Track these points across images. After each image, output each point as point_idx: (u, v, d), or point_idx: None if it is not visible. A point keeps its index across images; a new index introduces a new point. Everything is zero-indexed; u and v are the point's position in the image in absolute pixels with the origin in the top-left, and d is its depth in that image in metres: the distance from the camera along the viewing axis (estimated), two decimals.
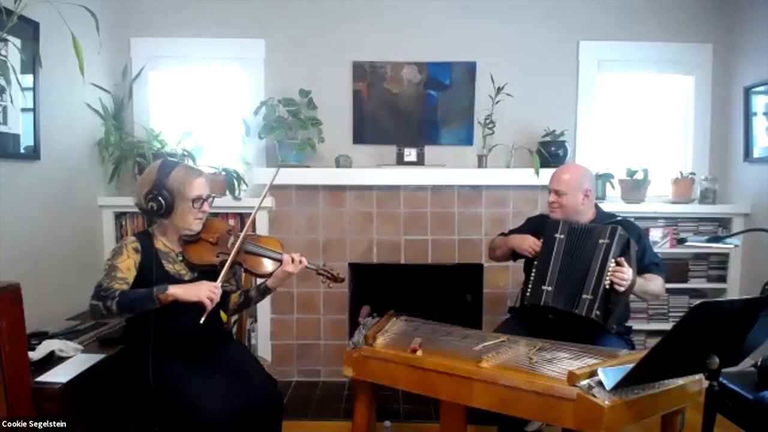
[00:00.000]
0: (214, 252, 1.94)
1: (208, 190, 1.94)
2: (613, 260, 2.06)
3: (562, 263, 2.17)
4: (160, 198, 1.84)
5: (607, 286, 2.05)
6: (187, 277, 1.92)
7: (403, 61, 3.35)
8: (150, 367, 1.76)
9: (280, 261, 1.99)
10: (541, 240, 2.26)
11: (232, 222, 3.16)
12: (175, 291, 1.72)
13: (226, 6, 3.34)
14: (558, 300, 2.14)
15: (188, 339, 1.85)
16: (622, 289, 2.04)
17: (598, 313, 2.05)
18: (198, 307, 1.76)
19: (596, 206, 2.40)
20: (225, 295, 2.08)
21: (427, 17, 3.34)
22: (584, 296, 2.07)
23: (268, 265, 2.00)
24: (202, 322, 1.72)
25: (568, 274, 2.15)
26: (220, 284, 1.80)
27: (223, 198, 3.14)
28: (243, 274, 2.25)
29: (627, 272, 2.04)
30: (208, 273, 1.92)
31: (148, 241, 1.91)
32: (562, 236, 2.20)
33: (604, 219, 2.33)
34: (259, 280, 2.08)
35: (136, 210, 3.09)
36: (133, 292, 1.74)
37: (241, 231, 1.99)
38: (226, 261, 1.90)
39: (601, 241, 2.11)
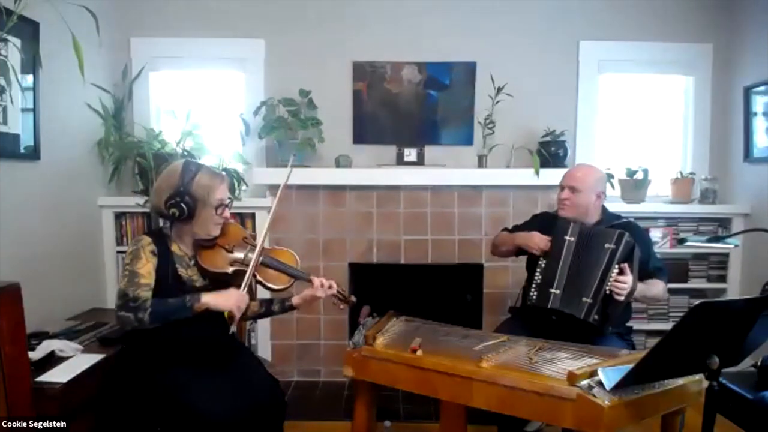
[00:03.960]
0: (228, 260, 1.90)
1: (228, 193, 1.92)
2: (617, 266, 2.05)
3: (570, 266, 2.15)
4: (182, 204, 1.79)
5: (607, 292, 2.05)
6: (198, 283, 1.90)
7: (403, 61, 3.35)
8: (154, 368, 1.77)
9: (294, 277, 1.98)
10: (550, 240, 2.23)
11: (233, 221, 3.15)
12: (208, 300, 1.74)
13: (226, 6, 3.34)
14: (565, 304, 2.12)
15: (190, 340, 1.85)
16: (620, 298, 2.03)
17: (596, 317, 2.05)
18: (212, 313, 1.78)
19: (603, 207, 2.39)
20: None
21: (426, 17, 3.34)
22: (584, 299, 2.07)
23: (282, 279, 1.97)
24: (231, 332, 1.79)
25: (574, 276, 2.13)
26: (245, 291, 1.80)
27: None
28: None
29: (627, 281, 2.02)
30: (220, 282, 1.89)
31: (163, 243, 1.86)
32: (572, 239, 2.17)
33: (611, 220, 2.32)
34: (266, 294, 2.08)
35: (136, 210, 3.13)
36: (165, 303, 1.72)
37: (255, 239, 1.98)
38: (239, 271, 1.88)
39: (607, 245, 2.09)
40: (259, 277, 1.94)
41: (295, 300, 2.04)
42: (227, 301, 1.76)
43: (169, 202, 1.80)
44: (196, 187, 1.82)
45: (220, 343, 1.96)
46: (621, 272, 2.04)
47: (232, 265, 1.90)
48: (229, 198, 1.93)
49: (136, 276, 1.75)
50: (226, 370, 1.86)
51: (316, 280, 1.97)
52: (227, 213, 1.91)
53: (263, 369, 1.98)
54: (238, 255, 1.92)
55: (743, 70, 3.23)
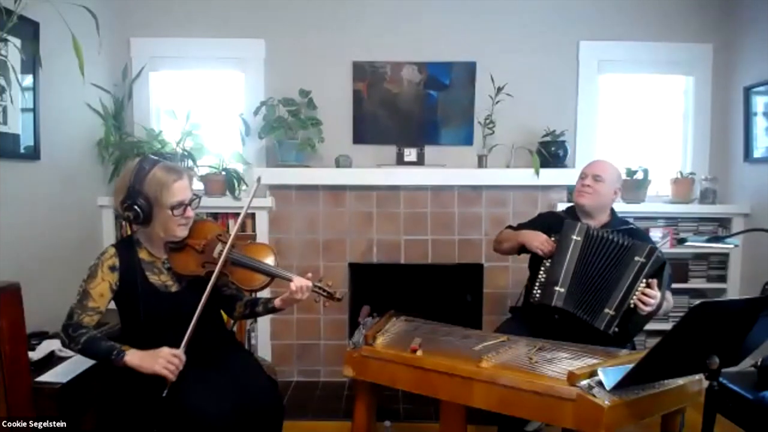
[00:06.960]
0: (200, 262, 1.79)
1: (190, 192, 1.77)
2: (644, 280, 2.03)
3: (576, 266, 2.13)
4: (136, 206, 1.68)
5: (632, 306, 2.02)
6: (173, 289, 1.82)
7: (403, 61, 3.35)
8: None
9: (269, 274, 1.83)
10: (555, 238, 2.22)
11: (231, 222, 3.15)
12: (132, 360, 1.63)
13: (226, 6, 3.34)
14: (570, 303, 2.11)
15: (189, 340, 1.84)
16: (644, 313, 2.01)
17: (616, 330, 2.03)
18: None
19: (612, 209, 2.38)
20: (229, 300, 2.01)
21: (427, 17, 3.34)
22: (606, 310, 2.05)
23: (257, 278, 1.82)
24: (164, 395, 1.62)
25: (586, 280, 2.12)
26: (182, 351, 1.66)
27: (223, 198, 3.14)
28: None
29: (655, 295, 2.00)
30: (197, 283, 1.79)
31: (130, 251, 1.78)
32: (578, 238, 2.16)
33: (617, 224, 2.31)
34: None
35: None
36: (96, 344, 1.66)
37: (230, 237, 1.82)
38: (212, 273, 1.75)
39: (636, 258, 2.06)
40: (232, 279, 1.82)
41: (277, 302, 1.88)
42: (151, 363, 1.61)
43: (124, 205, 1.70)
44: (148, 186, 1.69)
45: (219, 344, 1.96)
46: (648, 287, 2.01)
47: (204, 267, 1.78)
48: (196, 197, 1.80)
49: (86, 297, 1.72)
50: (225, 372, 1.84)
51: (294, 284, 1.79)
52: (190, 212, 1.77)
53: (262, 371, 1.95)
54: (209, 255, 1.79)
55: (743, 70, 3.23)
